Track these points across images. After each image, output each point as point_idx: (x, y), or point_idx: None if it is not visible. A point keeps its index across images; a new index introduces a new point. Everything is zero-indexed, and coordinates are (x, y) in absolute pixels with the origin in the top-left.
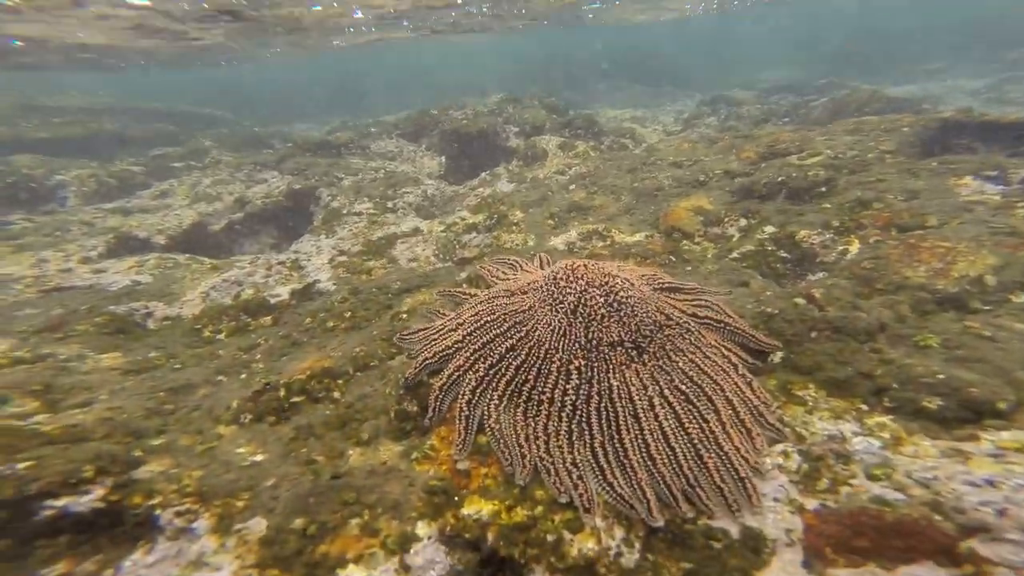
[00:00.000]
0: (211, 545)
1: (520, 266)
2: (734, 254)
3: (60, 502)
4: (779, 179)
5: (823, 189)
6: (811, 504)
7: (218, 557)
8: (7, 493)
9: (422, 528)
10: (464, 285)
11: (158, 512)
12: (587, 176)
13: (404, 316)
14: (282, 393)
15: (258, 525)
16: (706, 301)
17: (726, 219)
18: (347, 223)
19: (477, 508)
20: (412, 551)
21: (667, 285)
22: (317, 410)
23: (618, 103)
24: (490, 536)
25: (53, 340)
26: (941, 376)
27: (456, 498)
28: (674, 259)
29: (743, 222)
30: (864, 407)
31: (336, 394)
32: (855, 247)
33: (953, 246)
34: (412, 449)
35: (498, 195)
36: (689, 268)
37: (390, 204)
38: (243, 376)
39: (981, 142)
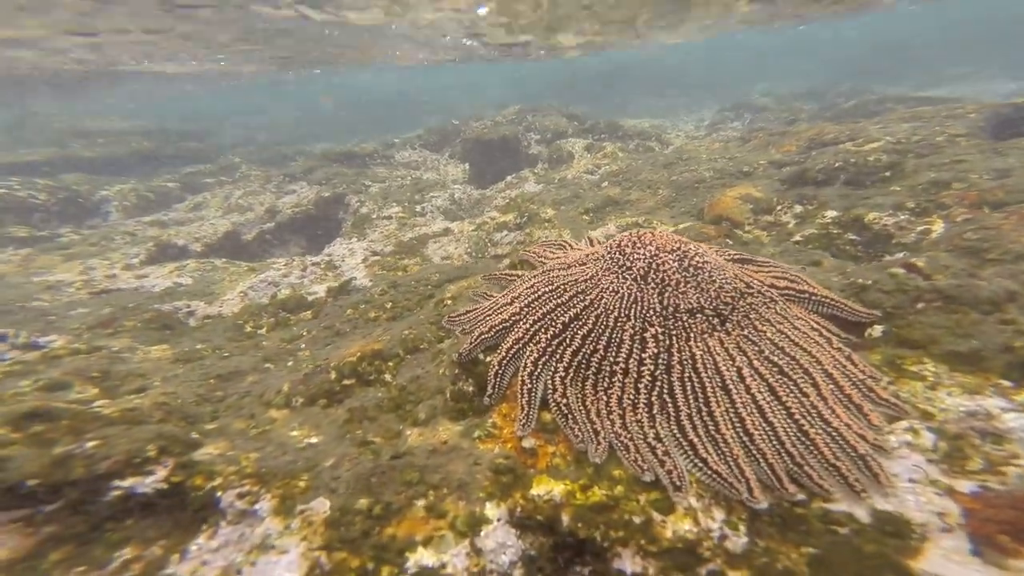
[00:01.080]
0: (275, 527)
1: (570, 246)
2: (795, 237)
3: (127, 482)
4: (836, 165)
5: (887, 173)
6: (965, 486)
7: (284, 539)
8: (79, 472)
9: (491, 509)
10: (508, 270)
11: (220, 494)
12: (619, 174)
13: (449, 302)
14: (333, 376)
15: (322, 506)
16: (784, 272)
17: (778, 207)
18: (378, 226)
19: (547, 488)
20: (482, 534)
21: (739, 257)
22: (369, 392)
23: (633, 115)
24: (565, 517)
25: (105, 335)
26: None
27: (524, 478)
28: (731, 242)
29: (798, 208)
30: (1005, 382)
31: (387, 376)
32: (938, 226)
33: None
34: (473, 427)
35: (527, 195)
36: (752, 252)
37: (418, 208)
38: (290, 363)
39: None
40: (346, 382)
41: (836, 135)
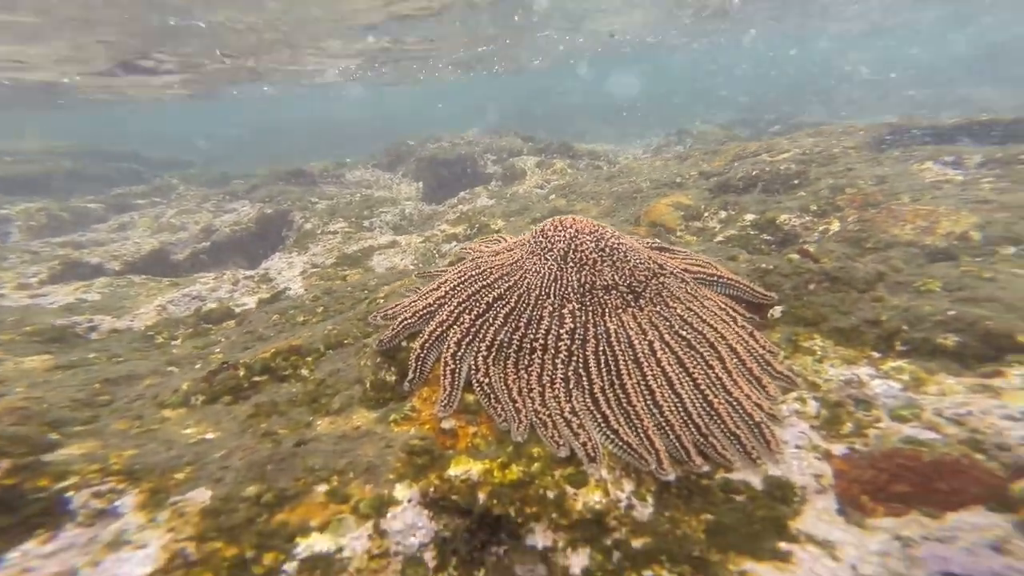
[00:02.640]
0: (136, 522)
1: (504, 240)
2: (718, 238)
3: None
4: (753, 173)
5: (796, 181)
6: (838, 449)
7: (143, 534)
8: None
9: (401, 490)
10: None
11: (70, 494)
12: (566, 187)
13: (381, 299)
14: (242, 372)
15: (200, 496)
16: (696, 259)
17: (706, 213)
18: (321, 240)
19: (465, 468)
20: (389, 515)
21: (657, 245)
22: (282, 388)
23: (588, 140)
24: (481, 496)
25: None
26: (952, 313)
27: (441, 459)
28: (659, 241)
29: (723, 214)
30: (875, 354)
31: (304, 371)
32: (835, 226)
33: (934, 209)
34: (390, 412)
35: (478, 208)
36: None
37: (366, 223)
38: (198, 366)
39: (929, 143)
40: (256, 379)
41: (756, 149)
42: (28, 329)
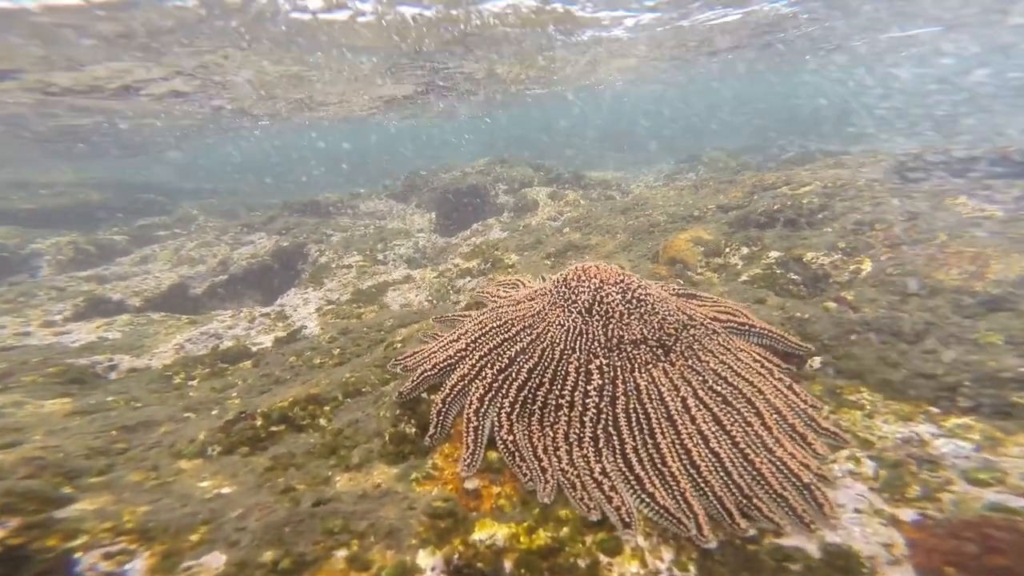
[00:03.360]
0: None
1: (523, 284)
2: (743, 278)
3: None
4: (775, 207)
5: (820, 216)
6: (906, 515)
7: None
8: None
9: (424, 558)
10: (465, 310)
11: (80, 555)
12: (580, 219)
13: (399, 344)
14: (259, 422)
15: (215, 561)
16: (725, 306)
17: (727, 248)
18: (336, 275)
19: (490, 532)
20: None
21: (683, 292)
22: (300, 438)
23: (598, 167)
24: (508, 564)
25: None
26: (1022, 370)
27: (465, 521)
28: (682, 282)
29: (745, 250)
30: (934, 409)
31: (322, 421)
32: (867, 266)
33: (981, 251)
34: (411, 470)
35: (491, 242)
36: (703, 291)
37: (380, 256)
38: (215, 412)
39: (946, 174)
40: (274, 428)
41: (775, 180)
42: (51, 370)
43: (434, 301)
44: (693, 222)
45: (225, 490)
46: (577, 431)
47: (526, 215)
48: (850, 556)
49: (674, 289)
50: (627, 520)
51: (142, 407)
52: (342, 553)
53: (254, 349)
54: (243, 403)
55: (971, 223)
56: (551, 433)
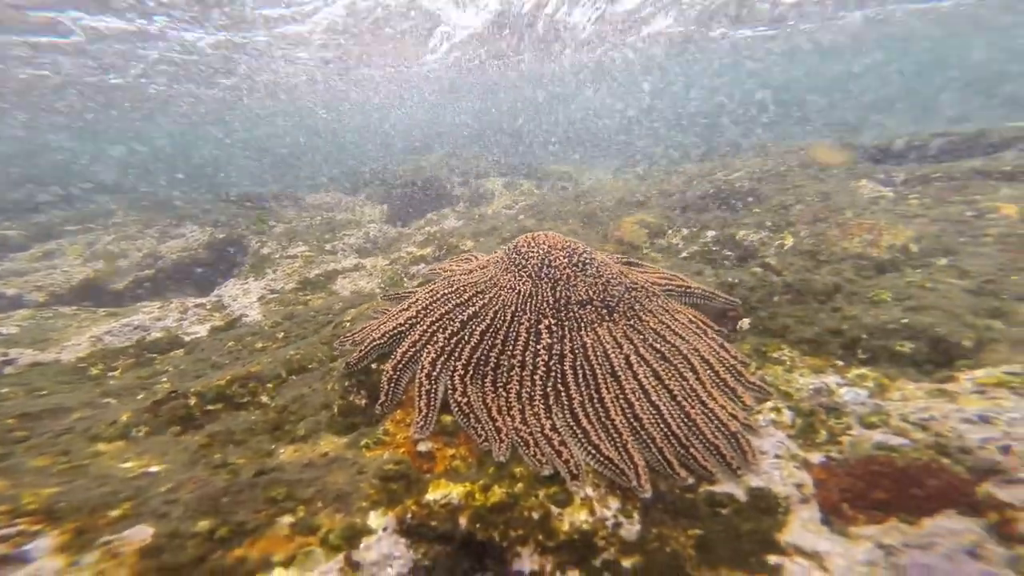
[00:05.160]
0: (53, 566)
1: (476, 259)
2: (683, 255)
3: None
4: (711, 191)
5: (751, 199)
6: (815, 457)
7: None
8: None
9: (375, 519)
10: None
11: None
12: (534, 207)
13: (348, 323)
14: (192, 401)
15: (139, 534)
16: (663, 273)
17: (669, 230)
18: (280, 265)
19: (445, 492)
20: (362, 546)
21: (624, 260)
22: (240, 416)
23: (555, 163)
24: (463, 521)
25: None
26: (905, 321)
27: (419, 483)
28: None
29: (685, 231)
30: (840, 362)
31: (264, 398)
32: (790, 240)
33: (876, 222)
34: (361, 437)
35: (447, 230)
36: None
37: (329, 247)
38: (140, 396)
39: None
40: (210, 407)
41: (711, 168)
42: None
43: (386, 287)
44: (639, 207)
45: (153, 468)
46: (529, 390)
47: (482, 204)
48: (769, 497)
49: (617, 258)
50: (575, 472)
51: (48, 395)
52: (286, 519)
53: (187, 339)
54: (174, 386)
55: (870, 202)
56: (504, 393)
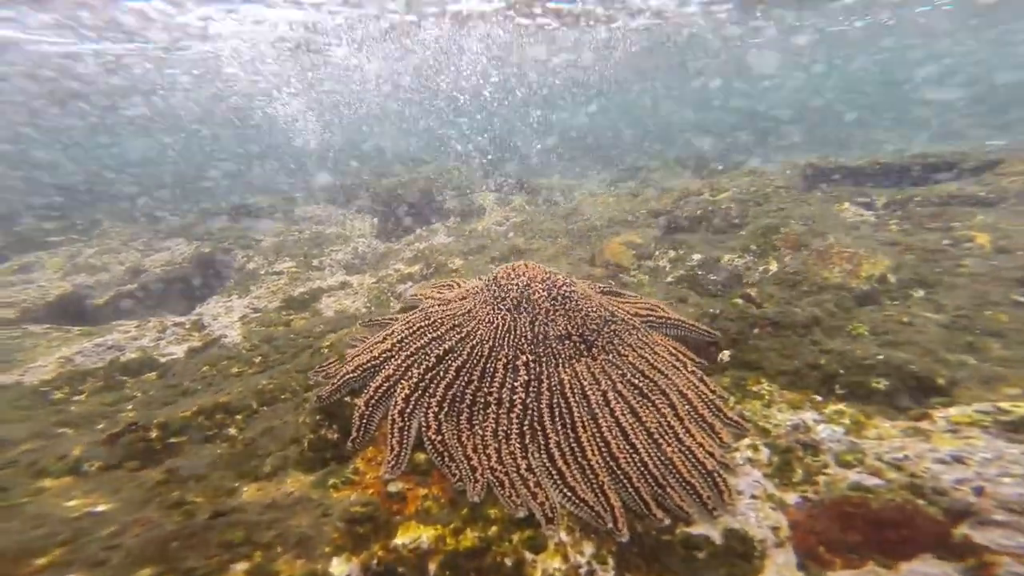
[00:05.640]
0: None
1: (458, 285)
2: (668, 279)
3: None
4: (698, 212)
5: (736, 220)
6: (791, 498)
7: None
8: None
9: (338, 565)
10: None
11: None
12: (524, 224)
13: (326, 350)
14: (154, 434)
15: None
16: (647, 303)
17: (656, 252)
18: (265, 282)
19: (414, 535)
20: None
21: (608, 290)
22: (204, 450)
23: (549, 174)
24: (432, 567)
25: None
26: (880, 357)
27: (387, 526)
28: (613, 283)
29: (672, 253)
30: (818, 397)
31: (232, 431)
32: (773, 266)
33: (856, 251)
34: (329, 476)
35: (436, 247)
36: (630, 291)
37: (316, 263)
38: (100, 426)
39: (842, 177)
40: (173, 440)
41: (699, 188)
42: None
43: (372, 307)
44: (627, 227)
45: (100, 508)
46: (505, 428)
47: (472, 220)
48: (746, 541)
49: (600, 287)
50: (550, 515)
51: None
52: (241, 566)
53: (163, 360)
54: (138, 416)
55: (852, 226)
56: (480, 431)
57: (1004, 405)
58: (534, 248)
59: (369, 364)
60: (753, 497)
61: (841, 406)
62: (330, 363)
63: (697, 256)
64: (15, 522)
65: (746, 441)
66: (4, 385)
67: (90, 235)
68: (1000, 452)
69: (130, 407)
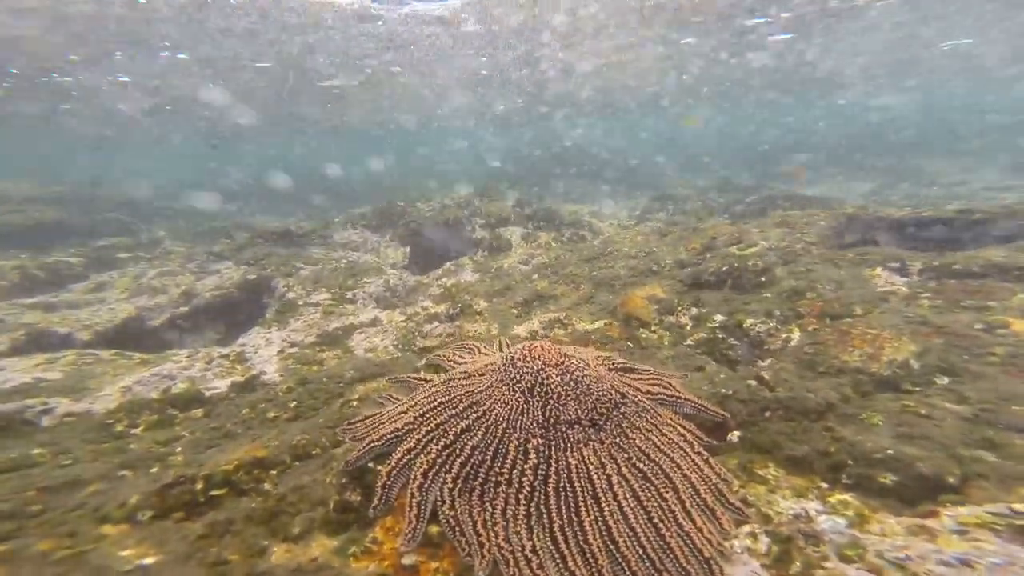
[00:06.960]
0: None
1: (479, 350)
2: (688, 341)
3: None
4: (723, 268)
5: (762, 279)
6: None
7: None
8: None
9: None
10: (422, 372)
11: None
12: (549, 266)
13: (355, 403)
14: (199, 486)
15: None
16: (659, 380)
17: (679, 308)
18: (302, 314)
19: None
20: None
21: (622, 366)
22: (241, 503)
23: (577, 199)
24: None
25: None
26: (890, 452)
27: None
28: (632, 345)
29: (694, 311)
30: (824, 485)
31: (267, 485)
32: (796, 334)
33: (879, 333)
34: (350, 543)
35: (462, 285)
36: (647, 354)
37: (349, 295)
38: (154, 470)
39: (877, 231)
40: (215, 492)
41: (728, 237)
42: None
43: (400, 346)
44: (652, 277)
45: (148, 560)
46: (512, 508)
47: (499, 255)
48: None
49: (614, 363)
50: None
51: (71, 464)
52: None
53: (208, 394)
54: (186, 460)
55: (881, 297)
56: (490, 508)
57: (1020, 507)
58: (556, 294)
59: (393, 434)
60: None
61: (847, 496)
62: (358, 420)
63: (719, 317)
64: (77, 573)
65: (746, 528)
66: (78, 413)
67: (153, 252)
68: (1012, 557)
69: (179, 448)
